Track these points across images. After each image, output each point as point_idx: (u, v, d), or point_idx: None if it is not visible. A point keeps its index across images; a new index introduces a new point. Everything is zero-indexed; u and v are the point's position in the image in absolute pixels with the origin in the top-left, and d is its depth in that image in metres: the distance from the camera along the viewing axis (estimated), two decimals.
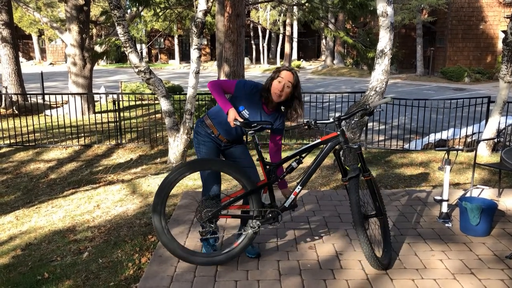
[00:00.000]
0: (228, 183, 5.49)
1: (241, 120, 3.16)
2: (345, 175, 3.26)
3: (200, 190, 5.29)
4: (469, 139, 8.25)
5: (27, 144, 8.34)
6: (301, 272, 3.31)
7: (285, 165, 3.42)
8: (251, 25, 32.82)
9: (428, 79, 23.65)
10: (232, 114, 3.16)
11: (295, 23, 32.54)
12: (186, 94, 6.65)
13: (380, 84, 5.91)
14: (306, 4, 10.73)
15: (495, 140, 7.09)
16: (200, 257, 3.36)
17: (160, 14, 12.03)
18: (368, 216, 3.36)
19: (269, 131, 3.49)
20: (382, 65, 5.84)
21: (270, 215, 3.30)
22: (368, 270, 3.31)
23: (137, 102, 12.42)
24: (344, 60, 31.25)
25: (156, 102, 12.86)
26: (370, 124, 9.18)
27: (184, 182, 5.71)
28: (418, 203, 4.70)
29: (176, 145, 6.62)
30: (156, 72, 14.09)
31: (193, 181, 5.73)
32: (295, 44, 35.11)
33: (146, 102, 13.69)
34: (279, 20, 32.60)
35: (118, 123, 8.29)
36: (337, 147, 3.32)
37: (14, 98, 11.95)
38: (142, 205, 5.08)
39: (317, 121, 3.25)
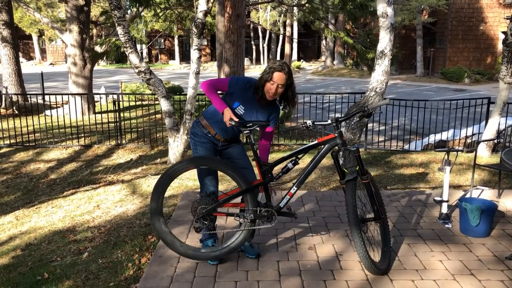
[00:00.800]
0: (229, 184, 5.49)
1: (236, 120, 3.18)
2: (343, 177, 3.26)
3: (205, 192, 5.30)
4: (469, 140, 8.25)
5: (27, 144, 8.34)
6: (301, 273, 3.31)
7: (281, 166, 3.41)
8: (251, 25, 32.84)
9: (428, 80, 23.66)
10: (227, 114, 3.18)
11: (295, 24, 32.56)
12: (186, 94, 6.65)
13: (380, 85, 5.91)
14: (306, 5, 10.73)
15: (495, 141, 7.09)
16: (191, 250, 3.35)
17: (161, 14, 12.03)
18: (366, 220, 3.34)
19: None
20: (382, 66, 5.84)
21: (265, 213, 3.30)
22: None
23: (137, 103, 12.43)
24: (344, 60, 31.26)
25: (156, 102, 12.86)
26: (370, 125, 9.18)
27: (184, 182, 5.71)
28: (418, 204, 4.70)
29: (176, 145, 6.62)
30: (156, 72, 14.06)
31: (193, 181, 5.73)
32: (295, 45, 35.13)
33: (146, 102, 13.69)
34: (279, 21, 32.62)
35: (118, 124, 8.29)
36: (335, 148, 3.31)
37: (14, 98, 11.95)
38: (142, 205, 5.08)
39: (316, 122, 3.24)
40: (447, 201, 4.21)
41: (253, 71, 31.95)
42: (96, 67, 14.28)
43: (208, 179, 3.45)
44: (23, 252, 4.12)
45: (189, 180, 5.78)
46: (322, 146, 3.28)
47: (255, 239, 3.79)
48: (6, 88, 12.43)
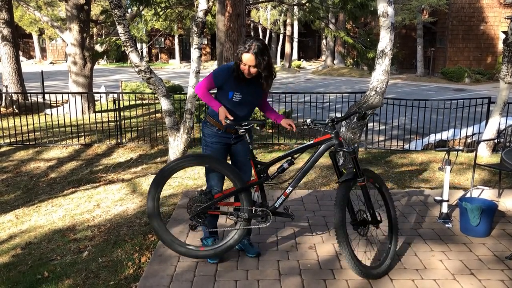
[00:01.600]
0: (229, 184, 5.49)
1: (231, 118, 3.19)
2: (340, 177, 3.24)
3: (200, 189, 5.30)
4: (469, 140, 8.25)
5: (27, 143, 8.34)
6: (301, 272, 3.31)
7: (277, 165, 3.40)
8: (252, 24, 32.82)
9: (428, 80, 23.65)
10: (222, 113, 3.20)
11: (295, 23, 32.53)
12: (186, 93, 6.64)
13: (380, 85, 5.90)
14: (307, 4, 10.72)
15: (495, 140, 7.09)
16: (185, 248, 3.35)
17: (161, 13, 12.02)
18: (365, 222, 3.31)
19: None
20: (382, 66, 5.84)
21: (259, 213, 3.29)
22: None
23: (138, 102, 12.42)
24: (345, 60, 31.25)
25: (157, 101, 12.86)
26: (370, 125, 9.18)
27: (184, 181, 5.71)
28: (418, 204, 4.70)
29: (176, 144, 6.61)
30: (157, 71, 14.04)
31: (193, 180, 5.73)
32: (295, 44, 35.11)
33: (146, 101, 13.69)
34: (279, 20, 32.60)
35: (118, 123, 8.29)
36: (331, 148, 3.29)
37: (15, 97, 11.94)
38: (142, 204, 5.08)
39: (315, 121, 3.23)
40: (447, 201, 4.21)
41: None
42: (96, 66, 14.27)
43: (214, 180, 3.45)
44: (23, 250, 4.12)
45: (189, 179, 5.78)
46: (319, 146, 3.26)
47: (255, 238, 3.79)
48: (6, 87, 12.42)
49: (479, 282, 3.15)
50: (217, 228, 3.55)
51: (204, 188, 3.66)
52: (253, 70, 3.19)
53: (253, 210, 3.29)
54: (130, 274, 3.47)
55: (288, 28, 32.47)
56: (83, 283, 3.39)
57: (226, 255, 3.47)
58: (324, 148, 3.24)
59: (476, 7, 24.01)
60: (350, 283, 3.16)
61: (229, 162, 3.57)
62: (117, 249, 3.91)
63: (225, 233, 3.47)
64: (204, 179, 3.64)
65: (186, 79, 7.25)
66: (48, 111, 11.58)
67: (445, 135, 8.42)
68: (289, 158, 3.29)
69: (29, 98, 12.42)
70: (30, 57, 41.88)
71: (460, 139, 8.26)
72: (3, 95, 12.17)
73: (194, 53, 6.17)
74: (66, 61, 13.20)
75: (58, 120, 9.53)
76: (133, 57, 6.30)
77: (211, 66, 32.93)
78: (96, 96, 13.89)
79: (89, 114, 11.35)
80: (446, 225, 4.12)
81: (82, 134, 9.01)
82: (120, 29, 6.12)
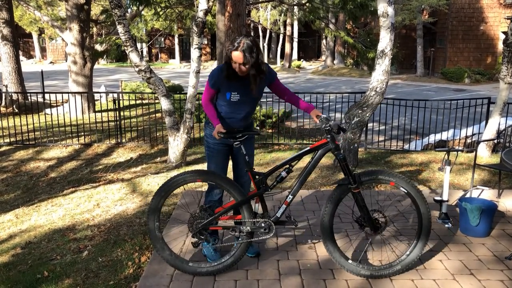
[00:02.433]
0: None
1: (224, 131, 3.18)
2: (354, 181, 3.13)
3: (199, 189, 5.30)
4: (469, 140, 8.25)
5: (27, 143, 8.34)
6: (301, 272, 3.31)
7: (275, 175, 3.37)
8: (252, 24, 32.80)
9: (428, 80, 23.65)
10: (216, 129, 3.19)
11: (295, 23, 32.53)
12: (186, 93, 6.65)
13: (380, 85, 5.91)
14: (307, 4, 10.73)
15: (495, 141, 7.09)
16: (188, 265, 3.30)
17: (161, 13, 12.02)
18: (363, 225, 3.26)
19: (273, 93, 3.51)
20: (382, 66, 5.84)
21: (262, 224, 3.26)
22: None
23: (137, 101, 12.42)
24: (345, 60, 31.25)
25: (157, 101, 12.86)
26: (370, 125, 9.18)
27: None
28: None
29: (176, 144, 6.62)
30: (157, 71, 13.99)
31: None
32: (295, 44, 35.12)
33: (146, 101, 13.69)
34: (279, 20, 32.60)
35: (118, 122, 8.29)
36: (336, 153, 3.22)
37: (14, 96, 11.95)
38: (142, 204, 5.08)
39: (339, 126, 3.11)
40: (447, 201, 4.21)
41: None
42: (96, 66, 14.28)
43: (215, 187, 3.43)
44: (23, 250, 4.12)
45: None
46: (316, 151, 3.20)
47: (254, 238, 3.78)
48: (6, 86, 12.42)
49: (478, 282, 3.15)
50: (218, 239, 3.48)
51: (204, 191, 3.62)
52: (244, 68, 3.15)
53: (255, 222, 3.26)
54: (130, 273, 3.47)
55: (288, 28, 32.47)
56: (83, 282, 3.39)
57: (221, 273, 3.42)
58: (321, 153, 3.18)
59: (476, 7, 24.02)
60: (350, 283, 3.16)
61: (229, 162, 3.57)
62: (117, 248, 3.91)
63: (224, 249, 3.44)
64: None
65: (186, 79, 7.25)
66: (48, 110, 11.58)
67: (445, 135, 8.42)
68: (287, 166, 3.24)
69: (29, 97, 12.41)
70: (30, 56, 41.88)
71: (460, 139, 8.26)
72: (3, 94, 12.17)
73: (194, 53, 6.18)
74: (66, 61, 13.21)
75: (58, 120, 9.53)
76: (133, 56, 6.31)
77: (211, 66, 32.92)
78: (96, 96, 13.89)
79: (89, 113, 11.35)
80: (446, 225, 4.12)
81: (82, 133, 9.01)
82: (120, 28, 6.13)
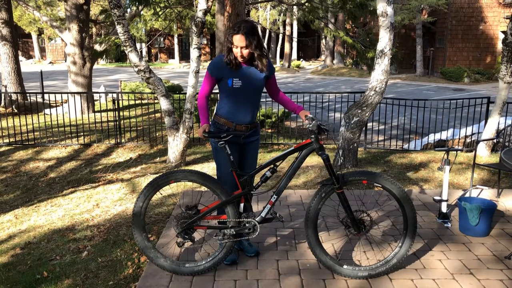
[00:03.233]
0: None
1: (207, 131, 3.20)
2: (336, 180, 3.12)
3: (198, 190, 5.30)
4: (468, 140, 8.25)
5: (27, 143, 8.34)
6: (300, 272, 3.31)
7: (260, 174, 3.36)
8: None
9: (427, 79, 23.67)
10: (201, 128, 3.21)
11: (295, 23, 32.54)
12: (185, 93, 6.65)
13: (380, 84, 5.91)
14: (306, 4, 10.72)
15: (495, 140, 7.10)
16: (174, 265, 3.30)
17: (160, 13, 12.01)
18: (348, 226, 3.25)
19: (268, 94, 3.55)
20: (382, 65, 5.84)
21: (246, 225, 3.25)
22: None
23: (137, 101, 12.42)
24: (344, 60, 31.26)
25: (156, 101, 12.86)
26: (369, 124, 9.18)
27: (182, 181, 5.69)
28: (417, 203, 4.71)
29: (175, 144, 6.62)
30: (156, 71, 14.03)
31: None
32: (294, 44, 35.12)
33: (145, 101, 13.68)
34: (279, 20, 32.61)
35: (117, 122, 8.29)
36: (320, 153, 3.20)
37: (14, 97, 11.94)
38: None
39: (321, 125, 3.13)
40: (446, 201, 4.21)
41: None
42: (95, 66, 14.28)
43: (227, 174, 3.41)
44: (23, 250, 4.12)
45: None
46: (300, 152, 3.19)
47: (254, 238, 3.78)
48: (6, 86, 12.42)
49: (478, 282, 3.15)
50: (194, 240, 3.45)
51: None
52: (245, 52, 3.18)
53: (240, 222, 3.25)
54: (130, 273, 3.47)
55: (288, 28, 32.47)
56: (82, 283, 3.38)
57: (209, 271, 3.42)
58: (305, 153, 3.17)
59: (475, 7, 24.03)
60: (349, 282, 3.16)
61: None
62: (117, 249, 3.91)
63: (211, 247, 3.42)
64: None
65: (186, 79, 7.24)
66: (47, 111, 11.57)
67: (444, 135, 8.43)
68: (272, 166, 3.22)
69: (29, 98, 12.41)
70: (29, 57, 41.87)
71: (459, 138, 8.27)
72: (3, 95, 12.17)
73: (194, 53, 6.18)
74: (66, 61, 13.19)
75: (57, 120, 9.53)
76: (133, 57, 6.30)
77: None
78: (96, 96, 13.89)
79: (88, 114, 11.35)
80: (445, 225, 4.12)
81: (82, 134, 9.00)
82: (119, 29, 6.12)
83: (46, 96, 12.74)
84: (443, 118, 8.32)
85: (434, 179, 5.76)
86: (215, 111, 3.48)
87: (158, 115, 11.30)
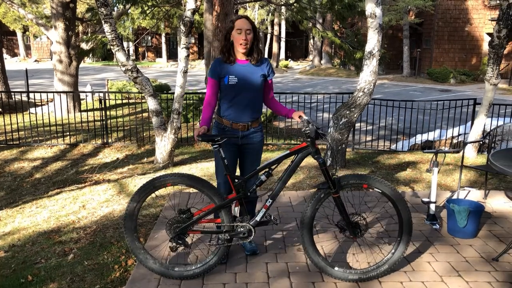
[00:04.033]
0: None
1: (201, 133, 3.18)
2: (333, 185, 3.10)
3: (186, 192, 5.26)
4: (455, 140, 8.33)
5: (11, 143, 8.20)
6: (289, 275, 3.29)
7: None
8: None
9: (414, 80, 23.87)
10: (196, 130, 3.20)
11: (283, 23, 32.58)
12: (173, 93, 6.59)
13: (368, 85, 5.92)
14: (295, 4, 10.72)
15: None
16: (165, 268, 3.26)
17: (148, 12, 11.91)
18: (343, 229, 3.23)
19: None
20: (370, 66, 5.85)
21: (241, 229, 3.22)
22: None
23: (124, 101, 12.30)
24: (332, 60, 31.39)
25: (143, 100, 12.74)
26: (358, 125, 9.21)
27: None
28: None
29: (163, 144, 6.56)
30: (143, 70, 13.86)
31: None
32: (283, 44, 35.16)
33: (133, 101, 13.57)
34: (267, 20, 32.60)
35: (104, 122, 8.19)
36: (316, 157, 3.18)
37: None
38: None
39: (320, 131, 3.10)
40: (434, 202, 4.23)
41: None
42: (82, 65, 14.12)
43: (224, 179, 3.40)
44: (6, 253, 4.03)
45: None
46: (296, 155, 3.16)
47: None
48: None
49: (466, 284, 3.17)
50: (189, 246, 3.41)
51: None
52: (250, 36, 3.25)
53: (234, 226, 3.21)
54: (117, 277, 3.41)
55: (276, 27, 32.48)
56: (68, 286, 3.32)
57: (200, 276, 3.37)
58: (301, 157, 3.15)
59: (462, 8, 24.30)
60: (338, 285, 3.15)
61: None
62: (103, 251, 3.85)
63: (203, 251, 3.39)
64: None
65: (174, 78, 7.19)
66: (32, 110, 11.41)
67: (431, 136, 8.50)
68: (267, 170, 3.18)
69: (13, 96, 12.22)
70: (14, 54, 41.29)
71: (446, 139, 8.34)
72: None
73: (182, 53, 6.13)
74: (51, 59, 13.02)
75: (42, 119, 9.39)
76: (120, 56, 6.23)
77: (199, 65, 32.79)
78: (82, 95, 13.73)
79: (74, 113, 11.22)
80: (434, 227, 4.14)
81: (68, 133, 8.88)
82: (106, 27, 6.04)
83: (31, 95, 12.56)
84: (430, 119, 8.38)
85: (422, 180, 5.79)
86: (217, 111, 3.47)
87: (145, 114, 11.21)
